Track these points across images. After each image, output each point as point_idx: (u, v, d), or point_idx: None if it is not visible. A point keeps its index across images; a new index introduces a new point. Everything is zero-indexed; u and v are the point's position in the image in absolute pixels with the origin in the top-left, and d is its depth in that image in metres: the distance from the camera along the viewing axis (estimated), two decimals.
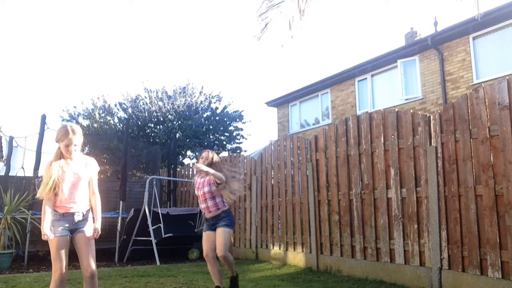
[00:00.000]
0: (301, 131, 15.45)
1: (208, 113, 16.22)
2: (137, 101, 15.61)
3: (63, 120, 15.53)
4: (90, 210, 3.30)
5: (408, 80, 11.95)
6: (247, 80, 49.78)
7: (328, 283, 5.12)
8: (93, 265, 3.15)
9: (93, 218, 3.30)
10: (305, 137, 7.60)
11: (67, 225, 3.12)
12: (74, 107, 15.70)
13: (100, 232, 3.25)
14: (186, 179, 10.06)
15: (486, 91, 4.26)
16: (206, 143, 15.38)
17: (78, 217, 3.16)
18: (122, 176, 8.43)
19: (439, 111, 4.86)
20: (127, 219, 7.89)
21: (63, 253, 3.04)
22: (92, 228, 3.22)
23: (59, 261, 3.01)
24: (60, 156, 3.15)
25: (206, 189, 4.32)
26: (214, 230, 4.28)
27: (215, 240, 4.24)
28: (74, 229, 3.15)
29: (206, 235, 4.32)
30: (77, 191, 3.18)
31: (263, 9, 4.44)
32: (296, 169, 6.84)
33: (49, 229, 3.01)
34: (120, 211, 7.87)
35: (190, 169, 10.40)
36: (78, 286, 4.78)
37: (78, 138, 3.16)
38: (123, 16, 46.25)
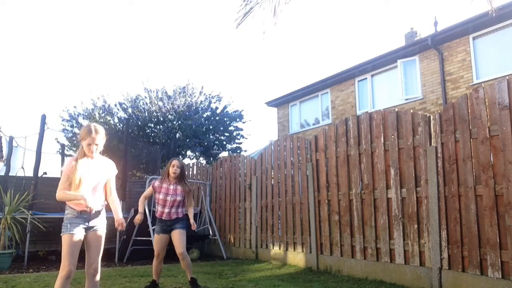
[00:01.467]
0: (301, 131, 15.45)
1: (208, 113, 16.21)
2: (137, 101, 15.60)
3: (63, 120, 15.53)
4: (104, 208, 3.38)
5: (408, 80, 11.94)
6: (247, 80, 49.78)
7: (328, 283, 5.13)
8: (98, 263, 3.23)
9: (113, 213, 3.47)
10: (305, 137, 7.60)
11: (84, 223, 3.17)
12: (74, 107, 15.71)
13: (124, 224, 3.44)
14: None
15: (486, 91, 4.26)
16: (206, 143, 15.38)
17: (94, 215, 3.22)
18: (122, 176, 8.43)
19: (439, 111, 4.85)
20: (127, 219, 7.89)
21: (76, 251, 3.07)
22: (105, 226, 3.33)
23: (71, 259, 3.03)
24: (83, 155, 3.21)
25: (179, 197, 4.76)
26: (168, 233, 4.69)
27: (167, 243, 4.72)
28: (90, 227, 3.20)
29: (160, 238, 4.70)
30: (96, 191, 3.26)
31: None
32: (296, 169, 6.84)
33: (86, 195, 3.09)
34: (120, 211, 7.86)
35: (190, 169, 10.39)
36: (79, 286, 4.78)
37: (100, 138, 3.23)
38: (123, 16, 46.25)
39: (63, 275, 3.00)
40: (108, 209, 3.47)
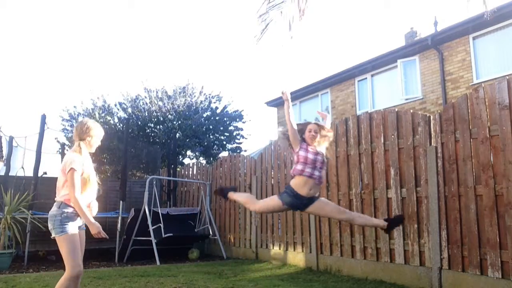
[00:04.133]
0: None
1: (208, 113, 16.19)
2: (137, 101, 15.58)
3: (63, 120, 15.50)
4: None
5: (408, 80, 11.94)
6: (247, 80, 49.79)
7: (328, 283, 5.13)
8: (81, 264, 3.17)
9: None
10: None
11: (81, 221, 3.16)
12: (74, 107, 15.68)
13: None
14: (186, 179, 10.05)
15: (486, 91, 4.26)
16: (206, 143, 15.37)
17: None
18: (122, 176, 8.43)
19: (439, 111, 4.86)
20: (128, 220, 7.89)
21: (80, 249, 3.06)
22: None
23: (78, 257, 3.00)
24: (80, 151, 3.15)
25: (325, 159, 3.86)
26: (299, 209, 3.80)
27: None
28: (80, 226, 3.18)
29: (282, 207, 3.78)
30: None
31: (263, 10, 4.48)
32: None
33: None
34: (120, 211, 7.87)
35: (190, 169, 10.39)
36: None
37: None
38: (123, 16, 46.27)
39: (74, 275, 2.94)
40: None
